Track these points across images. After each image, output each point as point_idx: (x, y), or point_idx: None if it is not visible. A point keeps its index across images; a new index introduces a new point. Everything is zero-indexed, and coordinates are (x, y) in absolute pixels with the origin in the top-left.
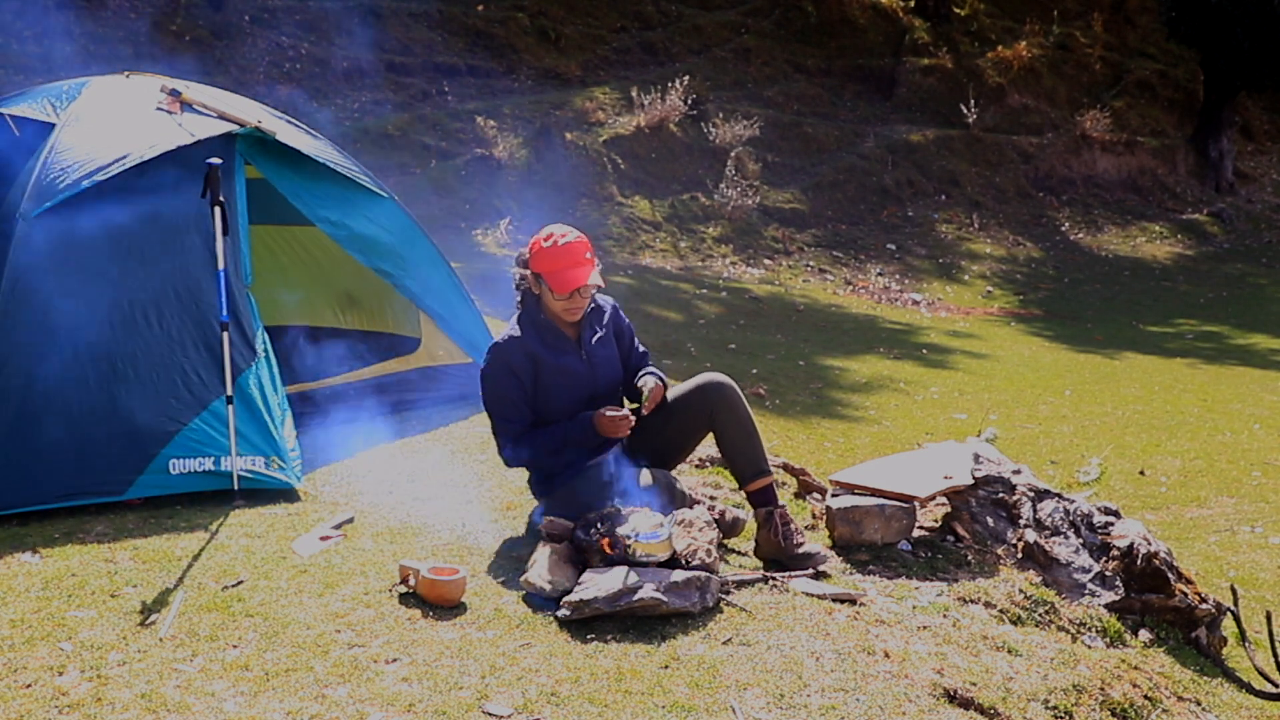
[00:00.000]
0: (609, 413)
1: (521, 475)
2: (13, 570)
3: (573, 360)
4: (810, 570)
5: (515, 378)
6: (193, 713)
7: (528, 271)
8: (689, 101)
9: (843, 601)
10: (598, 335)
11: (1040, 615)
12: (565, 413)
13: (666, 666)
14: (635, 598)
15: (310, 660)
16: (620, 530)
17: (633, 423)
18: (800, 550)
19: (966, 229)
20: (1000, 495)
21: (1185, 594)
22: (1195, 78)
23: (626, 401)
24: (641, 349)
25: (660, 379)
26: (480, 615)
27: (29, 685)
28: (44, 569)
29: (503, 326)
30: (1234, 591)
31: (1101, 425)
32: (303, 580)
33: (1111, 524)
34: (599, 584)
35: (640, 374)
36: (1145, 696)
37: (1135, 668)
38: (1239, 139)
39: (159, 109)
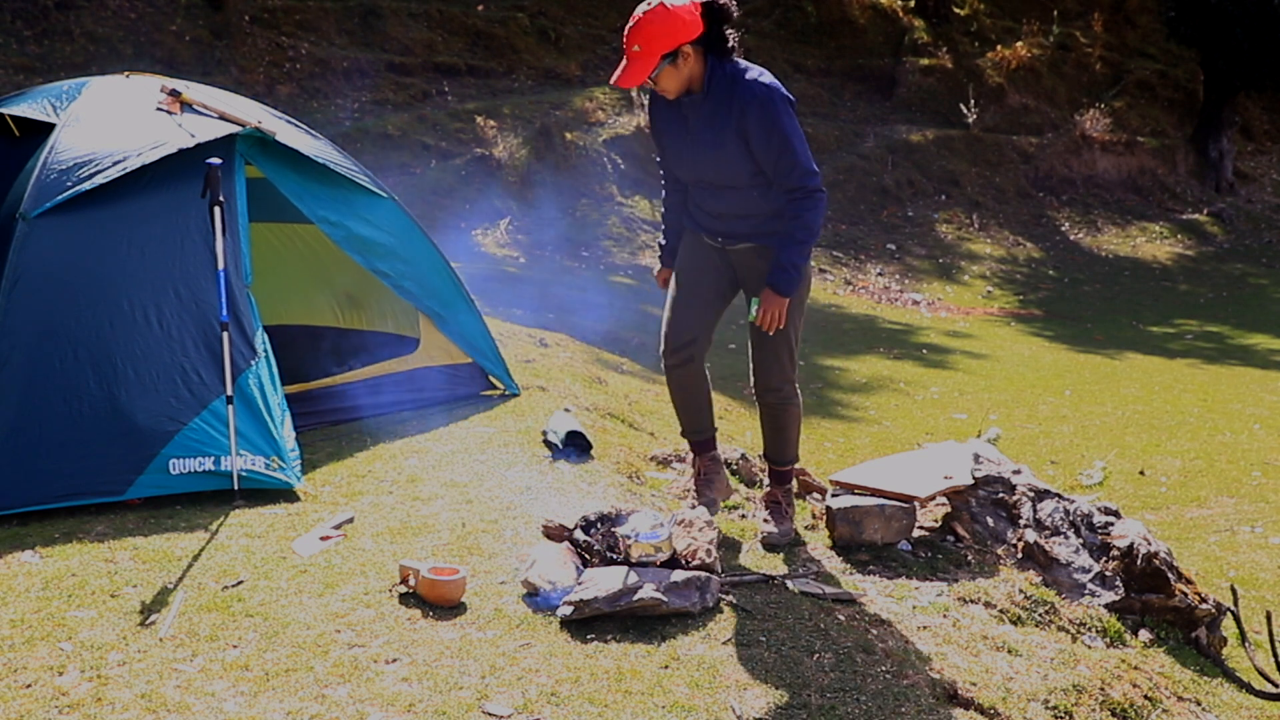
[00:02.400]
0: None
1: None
2: (13, 570)
3: (680, 131)
4: (811, 571)
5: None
6: (193, 713)
7: None
8: None
9: (843, 601)
10: (707, 119)
11: (1040, 615)
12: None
13: (666, 666)
14: (635, 598)
15: (310, 660)
16: (620, 530)
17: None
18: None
19: (966, 229)
20: (1000, 495)
21: (1185, 594)
22: (1195, 78)
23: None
24: (793, 188)
25: (777, 286)
26: (480, 615)
27: (29, 685)
28: (44, 569)
29: (502, 326)
30: (1234, 591)
31: (1102, 425)
32: (303, 580)
33: (1111, 524)
34: (599, 584)
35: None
36: (1145, 696)
37: (1135, 668)
38: (1239, 139)
39: (159, 109)
